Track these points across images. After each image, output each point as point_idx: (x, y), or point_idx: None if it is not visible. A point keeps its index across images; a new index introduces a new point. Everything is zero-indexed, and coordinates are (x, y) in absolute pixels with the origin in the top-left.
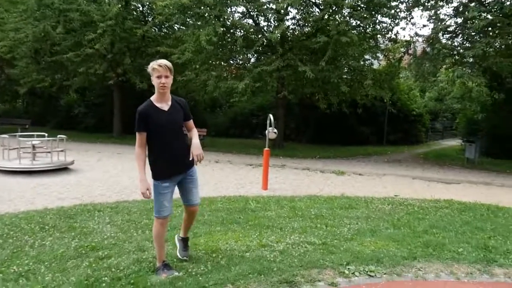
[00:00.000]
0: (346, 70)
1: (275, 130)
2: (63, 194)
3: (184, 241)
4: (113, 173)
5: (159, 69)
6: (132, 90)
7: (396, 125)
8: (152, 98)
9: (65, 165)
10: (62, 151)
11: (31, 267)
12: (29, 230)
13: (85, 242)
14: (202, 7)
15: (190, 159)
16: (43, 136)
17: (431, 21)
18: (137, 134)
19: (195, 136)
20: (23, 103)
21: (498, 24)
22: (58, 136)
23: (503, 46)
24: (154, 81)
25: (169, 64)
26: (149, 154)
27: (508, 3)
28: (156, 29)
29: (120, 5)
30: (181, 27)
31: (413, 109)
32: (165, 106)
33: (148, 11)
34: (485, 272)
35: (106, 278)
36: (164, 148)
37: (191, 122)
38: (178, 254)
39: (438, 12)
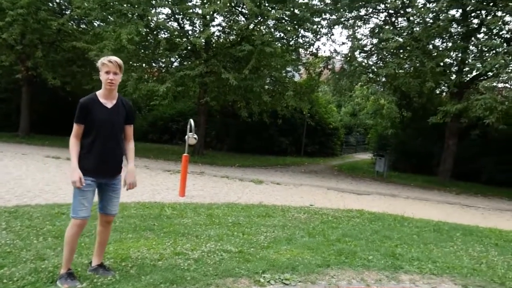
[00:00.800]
0: (268, 81)
1: (195, 136)
2: None
3: (101, 267)
4: (15, 175)
5: (108, 65)
6: (43, 86)
7: (314, 137)
8: (98, 92)
9: None
10: None
11: None
12: None
13: None
14: (125, 5)
15: (123, 185)
16: None
17: (350, 39)
18: (74, 124)
19: (131, 158)
20: None
21: (408, 48)
22: None
23: (411, 68)
24: (102, 76)
25: (119, 61)
26: (81, 147)
27: (417, 28)
28: (74, 23)
29: None
30: (101, 23)
31: (330, 123)
32: (109, 103)
33: (66, 4)
34: (393, 279)
35: None
36: (96, 145)
37: (131, 128)
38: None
39: (356, 31)
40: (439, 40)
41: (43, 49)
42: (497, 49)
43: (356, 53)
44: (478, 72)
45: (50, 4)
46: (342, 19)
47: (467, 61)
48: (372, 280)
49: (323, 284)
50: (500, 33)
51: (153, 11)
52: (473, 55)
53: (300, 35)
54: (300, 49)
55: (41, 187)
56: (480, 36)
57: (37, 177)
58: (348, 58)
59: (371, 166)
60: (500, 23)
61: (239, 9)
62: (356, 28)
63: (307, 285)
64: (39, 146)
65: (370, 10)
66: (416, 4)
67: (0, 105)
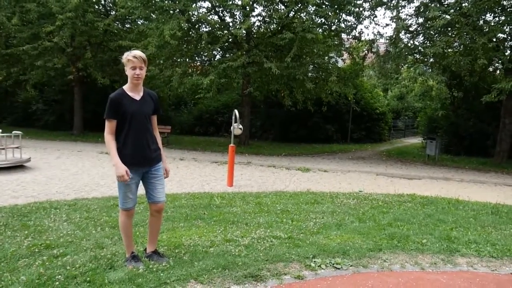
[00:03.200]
0: (311, 68)
1: (240, 126)
2: (17, 193)
3: (156, 254)
4: (73, 171)
5: (134, 61)
6: (93, 86)
7: (360, 123)
8: (125, 87)
9: (21, 162)
10: (17, 148)
11: None
12: None
13: (39, 241)
14: (166, 1)
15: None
16: None
17: (394, 20)
18: (106, 121)
19: (161, 147)
20: None
21: (457, 25)
22: (13, 132)
23: (461, 46)
24: (128, 72)
25: (143, 55)
26: (116, 142)
27: (466, 4)
28: (119, 23)
29: None
30: (144, 21)
31: (376, 108)
32: (137, 96)
33: (110, 5)
34: (449, 262)
35: (59, 276)
36: (131, 137)
37: (156, 118)
38: None
39: (401, 12)
40: (490, 15)
41: (91, 50)
42: None
43: (401, 34)
44: None
45: (96, 6)
46: (385, 0)
47: None
48: (426, 263)
49: (375, 268)
50: None
51: (193, 5)
52: None
53: (341, 19)
54: (342, 34)
55: (96, 182)
56: None
57: (92, 172)
58: (393, 40)
59: (421, 150)
60: None
61: None
62: (400, 8)
63: (358, 269)
64: (93, 143)
65: None
66: None
67: (56, 106)
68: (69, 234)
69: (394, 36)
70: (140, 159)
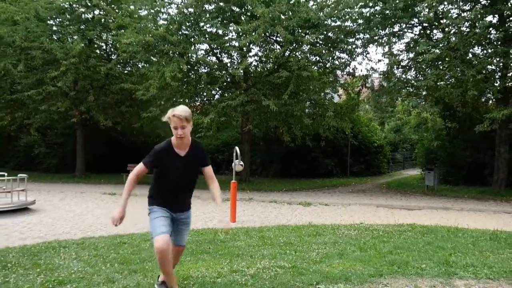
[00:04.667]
0: (308, 104)
1: (242, 163)
2: (24, 234)
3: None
4: (77, 212)
5: (175, 120)
6: (95, 128)
7: (359, 156)
8: (172, 139)
9: (26, 205)
10: (22, 190)
11: None
12: None
13: (51, 277)
14: (166, 45)
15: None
16: (3, 175)
17: (386, 56)
18: (141, 163)
19: (218, 196)
20: None
21: (447, 59)
22: (19, 175)
23: (452, 79)
24: (172, 130)
25: (187, 113)
26: (152, 185)
27: (454, 38)
28: (120, 66)
29: (83, 44)
30: (145, 64)
31: (374, 141)
32: (182, 152)
33: (112, 49)
34: (447, 284)
35: None
36: (167, 188)
37: (209, 168)
38: None
39: (392, 48)
40: (478, 48)
41: (94, 93)
42: None
43: (394, 69)
44: None
45: (98, 51)
46: (376, 37)
47: (509, 66)
48: (425, 286)
49: None
50: None
51: (192, 48)
52: None
53: (335, 56)
54: (337, 71)
55: (101, 221)
56: None
57: (97, 212)
58: (386, 75)
59: (420, 181)
60: None
61: (274, 38)
62: (391, 44)
63: None
64: (96, 184)
65: (404, 25)
66: (450, 15)
67: (58, 149)
68: (80, 271)
69: (387, 71)
70: (172, 207)
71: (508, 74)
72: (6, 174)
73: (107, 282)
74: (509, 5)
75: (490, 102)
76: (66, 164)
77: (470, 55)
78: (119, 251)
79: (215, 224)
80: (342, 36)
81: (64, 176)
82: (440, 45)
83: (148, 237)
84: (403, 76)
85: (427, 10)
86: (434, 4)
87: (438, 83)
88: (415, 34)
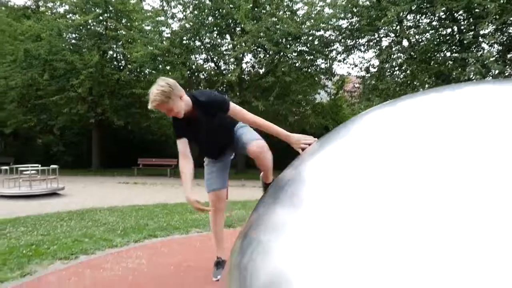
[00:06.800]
0: (291, 103)
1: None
2: (64, 208)
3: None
4: (100, 195)
5: (154, 110)
6: (109, 128)
7: None
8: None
9: (58, 190)
10: (54, 178)
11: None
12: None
13: (96, 223)
14: (171, 56)
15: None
16: (37, 166)
17: (360, 61)
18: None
19: (267, 125)
20: (0, 144)
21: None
22: (51, 166)
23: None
24: None
25: (155, 102)
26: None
27: (417, 47)
28: (131, 74)
29: (98, 55)
30: (152, 71)
31: None
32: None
33: (123, 59)
34: None
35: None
36: (203, 152)
37: (233, 110)
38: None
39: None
40: (437, 54)
41: (108, 97)
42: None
43: (365, 73)
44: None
45: (111, 61)
46: (355, 45)
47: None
48: None
49: None
50: None
51: (193, 57)
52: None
53: (315, 63)
54: (320, 75)
55: (121, 199)
56: None
57: (117, 196)
58: (361, 78)
59: None
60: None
61: (263, 48)
62: (367, 50)
63: None
64: (111, 177)
65: (375, 35)
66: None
67: (74, 147)
68: (114, 220)
69: (361, 76)
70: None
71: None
72: (39, 165)
73: (136, 224)
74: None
75: None
76: (81, 162)
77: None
78: (139, 212)
79: None
80: (320, 47)
81: (80, 171)
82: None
83: (153, 207)
84: (372, 81)
85: (386, 26)
86: (393, 19)
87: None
88: (388, 42)
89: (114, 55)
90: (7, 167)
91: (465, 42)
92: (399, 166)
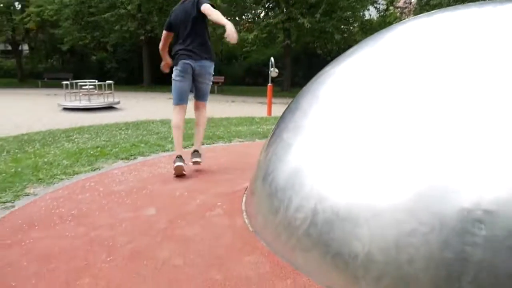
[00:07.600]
0: (338, 20)
1: (276, 70)
2: (121, 120)
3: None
4: (152, 110)
5: None
6: (158, 45)
7: None
8: None
9: (114, 104)
10: (110, 93)
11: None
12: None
13: (150, 132)
14: None
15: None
16: (94, 81)
17: None
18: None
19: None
20: (59, 61)
21: None
22: (107, 81)
23: None
24: None
25: None
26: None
27: None
28: None
29: None
30: None
31: None
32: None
33: None
34: None
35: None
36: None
37: (205, 6)
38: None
39: None
40: None
41: (156, 14)
42: None
43: None
44: None
45: None
46: None
47: None
48: None
49: None
50: None
51: None
52: None
53: None
54: None
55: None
56: None
57: (167, 108)
58: None
59: None
60: None
61: None
62: None
63: None
64: (161, 93)
65: None
66: None
67: (126, 64)
68: (166, 130)
69: None
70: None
71: None
72: (96, 80)
73: (185, 134)
74: None
75: None
76: (133, 78)
77: None
78: (187, 124)
79: (254, 115)
80: None
81: (132, 87)
82: None
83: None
84: None
85: None
86: None
87: None
88: None
89: None
90: (67, 82)
91: None
92: (418, 72)
